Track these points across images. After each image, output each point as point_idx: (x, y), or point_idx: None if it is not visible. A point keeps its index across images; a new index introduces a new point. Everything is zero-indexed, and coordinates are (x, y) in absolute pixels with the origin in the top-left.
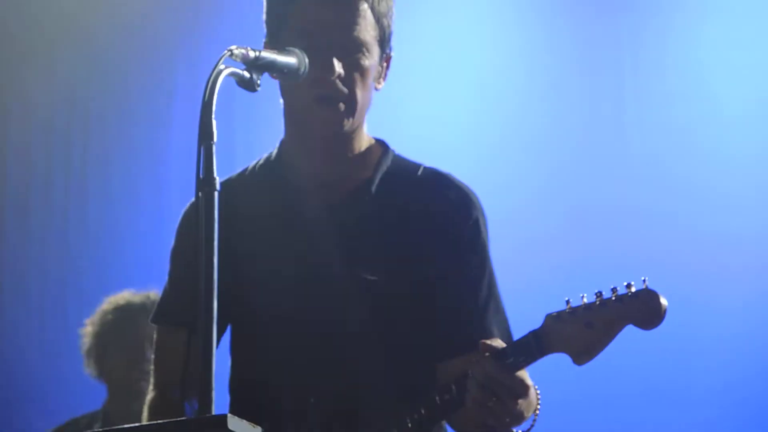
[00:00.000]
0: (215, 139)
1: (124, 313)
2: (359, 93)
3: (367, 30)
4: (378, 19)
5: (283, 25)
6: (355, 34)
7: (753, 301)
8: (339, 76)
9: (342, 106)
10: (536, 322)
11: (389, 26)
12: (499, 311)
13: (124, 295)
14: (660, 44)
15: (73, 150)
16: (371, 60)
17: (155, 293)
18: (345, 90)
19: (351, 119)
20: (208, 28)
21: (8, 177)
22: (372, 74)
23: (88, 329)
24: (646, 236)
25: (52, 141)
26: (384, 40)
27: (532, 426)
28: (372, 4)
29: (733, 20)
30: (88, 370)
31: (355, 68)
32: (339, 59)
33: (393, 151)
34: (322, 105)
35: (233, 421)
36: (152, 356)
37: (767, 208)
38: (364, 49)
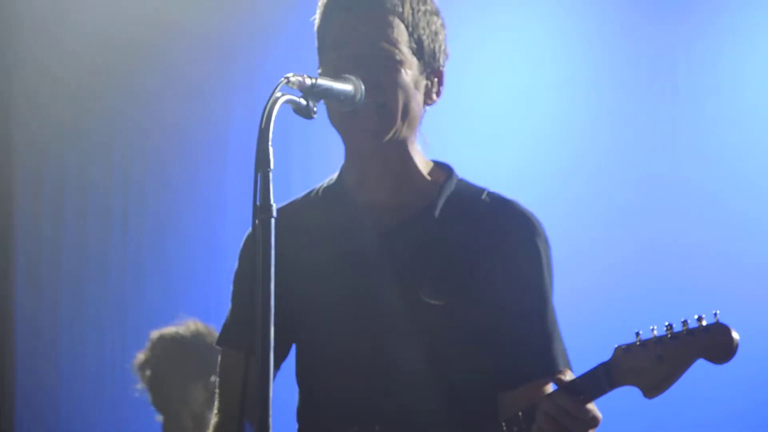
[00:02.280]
0: (272, 166)
1: (153, 347)
2: (392, 102)
3: (398, 41)
4: (412, 31)
5: (323, 47)
6: (384, 44)
7: None
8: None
9: (375, 116)
10: (597, 353)
11: (431, 41)
12: (560, 340)
13: (160, 331)
14: (715, 71)
15: (131, 173)
16: (407, 70)
17: (193, 322)
18: (373, 99)
19: (390, 129)
20: (265, 55)
21: (66, 205)
22: (409, 85)
23: (138, 373)
24: (707, 267)
25: (112, 169)
26: (424, 54)
27: None
28: (403, 16)
29: None
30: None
31: (387, 77)
32: (369, 69)
33: (456, 175)
34: (353, 117)
35: None
36: (217, 380)
37: None
38: (396, 57)
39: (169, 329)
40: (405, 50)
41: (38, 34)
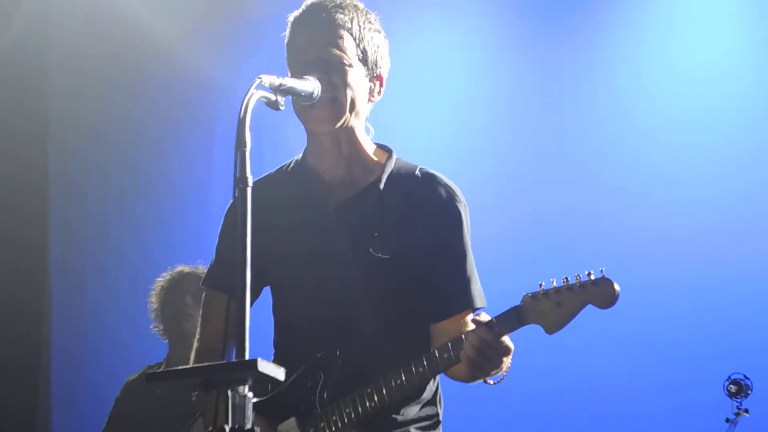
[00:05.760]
0: (248, 146)
1: (176, 279)
2: (341, 96)
3: (346, 48)
4: (358, 43)
5: (290, 55)
6: (334, 50)
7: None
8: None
9: (329, 108)
10: (507, 294)
11: (374, 52)
12: (478, 282)
13: (178, 267)
14: (594, 70)
15: (140, 161)
16: (353, 72)
17: (202, 266)
18: (327, 94)
19: (340, 118)
20: (244, 62)
21: (90, 180)
22: (355, 84)
23: (152, 295)
24: (590, 232)
25: (124, 158)
26: (368, 62)
27: (502, 378)
28: (352, 31)
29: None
30: (155, 329)
31: (338, 78)
32: (324, 70)
33: (395, 155)
34: (311, 109)
35: (263, 364)
36: (200, 311)
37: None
38: (345, 62)
39: (188, 267)
40: (353, 57)
41: (69, 35)
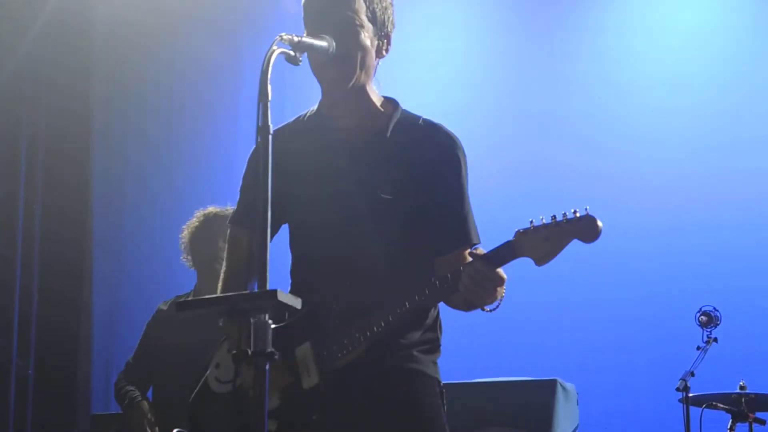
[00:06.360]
0: (270, 98)
1: (208, 220)
2: (353, 54)
3: (358, 11)
4: (369, 5)
5: (307, 16)
6: (349, 12)
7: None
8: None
9: (342, 66)
10: (502, 231)
11: (382, 13)
12: (473, 220)
13: (209, 208)
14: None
15: (173, 114)
16: (365, 33)
17: (231, 207)
18: (340, 52)
19: (352, 75)
20: (268, 25)
21: (130, 127)
22: (366, 43)
23: (185, 232)
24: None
25: (166, 107)
26: (377, 22)
27: (498, 306)
28: None
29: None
30: (185, 260)
31: (350, 37)
32: (338, 32)
33: (401, 106)
34: (327, 68)
35: (281, 294)
36: (226, 247)
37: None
38: (358, 23)
39: (219, 208)
40: (363, 18)
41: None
